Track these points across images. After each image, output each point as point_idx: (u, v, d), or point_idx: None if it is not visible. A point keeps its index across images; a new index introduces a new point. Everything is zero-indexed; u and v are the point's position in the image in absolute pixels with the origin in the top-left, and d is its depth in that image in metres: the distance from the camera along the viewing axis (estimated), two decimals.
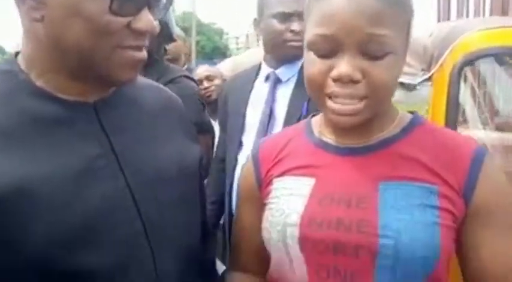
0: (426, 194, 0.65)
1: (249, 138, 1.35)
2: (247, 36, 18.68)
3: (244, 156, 1.32)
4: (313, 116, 0.82)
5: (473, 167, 0.66)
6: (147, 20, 0.61)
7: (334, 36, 0.61)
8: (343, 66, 0.61)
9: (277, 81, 1.36)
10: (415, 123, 0.73)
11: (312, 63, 0.66)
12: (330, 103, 0.65)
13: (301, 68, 1.34)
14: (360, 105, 0.64)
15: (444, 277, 0.68)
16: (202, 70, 2.49)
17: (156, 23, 0.63)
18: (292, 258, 0.69)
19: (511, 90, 1.56)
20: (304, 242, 0.67)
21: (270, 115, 1.32)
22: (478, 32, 1.40)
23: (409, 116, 0.75)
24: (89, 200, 0.60)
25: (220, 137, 1.60)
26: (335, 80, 0.63)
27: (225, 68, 2.81)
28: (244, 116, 1.38)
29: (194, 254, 0.75)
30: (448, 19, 4.64)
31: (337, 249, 0.65)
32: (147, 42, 0.65)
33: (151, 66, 1.61)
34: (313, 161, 0.73)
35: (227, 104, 1.47)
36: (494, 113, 1.53)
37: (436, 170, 0.66)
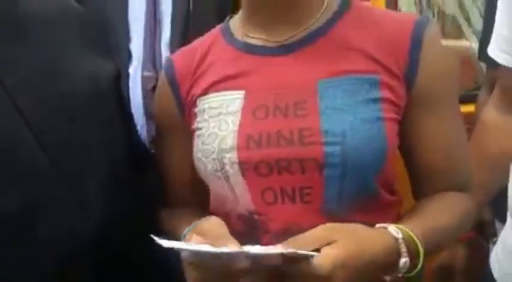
0: (367, 86, 0.60)
1: (137, 46, 1.18)
2: None
3: (136, 69, 1.17)
4: (230, 18, 0.72)
5: (414, 45, 0.61)
6: None
7: None
8: None
9: None
10: (346, 4, 0.66)
11: None
12: None
13: None
14: None
15: (392, 176, 0.65)
16: None
17: None
18: (234, 186, 0.63)
19: None
20: (245, 165, 0.61)
21: (154, 13, 1.14)
22: None
23: None
24: None
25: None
26: None
27: None
28: (126, 18, 1.18)
29: (122, 178, 0.68)
30: None
31: (281, 168, 0.59)
32: None
33: None
34: (240, 68, 0.65)
35: (106, 8, 1.21)
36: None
37: (375, 55, 0.61)
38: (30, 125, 0.56)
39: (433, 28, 0.63)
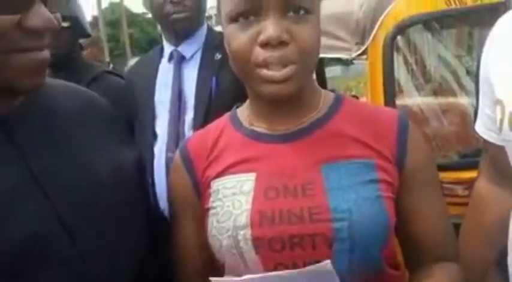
0: (365, 169, 0.66)
1: (162, 127, 1.26)
2: None
3: (161, 148, 1.25)
4: (237, 107, 0.77)
5: (401, 135, 0.68)
6: (41, 16, 0.53)
7: (253, 0, 0.60)
8: (271, 28, 0.59)
9: (181, 59, 1.28)
10: (339, 100, 0.73)
11: (235, 37, 0.62)
12: (262, 71, 0.62)
13: (206, 42, 1.28)
14: (291, 68, 0.62)
15: (392, 247, 0.70)
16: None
17: (55, 16, 0.55)
18: (247, 262, 0.65)
19: (443, 55, 1.63)
20: (259, 242, 0.63)
21: (179, 97, 1.25)
22: (403, 0, 1.43)
23: (331, 93, 0.74)
24: (13, 230, 0.54)
25: (136, 129, 1.38)
26: (264, 46, 0.61)
27: None
28: (153, 102, 1.28)
29: (142, 267, 0.69)
30: None
31: (293, 243, 0.63)
32: (46, 41, 0.56)
33: (68, 66, 1.50)
34: (250, 154, 0.70)
35: (134, 92, 1.34)
36: (428, 78, 1.59)
37: (369, 143, 0.67)
38: (61, 216, 0.59)
39: (412, 122, 0.72)
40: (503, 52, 0.73)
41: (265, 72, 0.62)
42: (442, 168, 1.35)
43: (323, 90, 0.73)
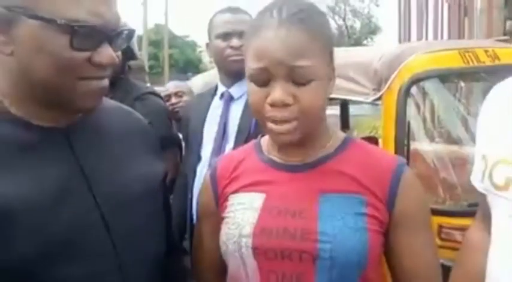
0: (356, 203, 0.77)
1: (206, 152, 1.52)
2: None
3: (202, 169, 1.49)
4: (262, 136, 0.91)
5: (394, 180, 0.79)
6: (106, 54, 0.67)
7: (266, 69, 0.73)
8: (276, 93, 0.73)
9: (230, 99, 1.52)
10: (347, 142, 0.85)
11: (252, 93, 0.77)
12: (269, 125, 0.76)
13: None
14: (293, 125, 0.74)
15: (375, 277, 0.80)
16: (171, 86, 2.65)
17: (116, 54, 0.70)
18: (247, 266, 0.78)
19: (456, 108, 1.70)
20: (257, 250, 0.77)
21: (223, 131, 1.49)
22: (421, 55, 1.54)
23: (342, 135, 0.86)
24: (62, 219, 0.66)
25: (185, 154, 1.71)
26: (271, 105, 0.74)
27: (197, 83, 2.94)
28: (202, 132, 1.55)
29: (161, 269, 0.82)
30: (409, 40, 4.85)
31: (284, 255, 0.75)
32: (108, 72, 0.70)
33: (117, 84, 1.68)
34: (264, 177, 0.83)
35: (189, 122, 1.63)
36: (439, 129, 1.66)
37: (364, 183, 0.78)
38: (101, 209, 0.70)
39: (410, 170, 0.82)
40: (492, 114, 0.82)
41: (271, 126, 0.75)
42: (447, 213, 1.42)
43: (336, 132, 0.86)
